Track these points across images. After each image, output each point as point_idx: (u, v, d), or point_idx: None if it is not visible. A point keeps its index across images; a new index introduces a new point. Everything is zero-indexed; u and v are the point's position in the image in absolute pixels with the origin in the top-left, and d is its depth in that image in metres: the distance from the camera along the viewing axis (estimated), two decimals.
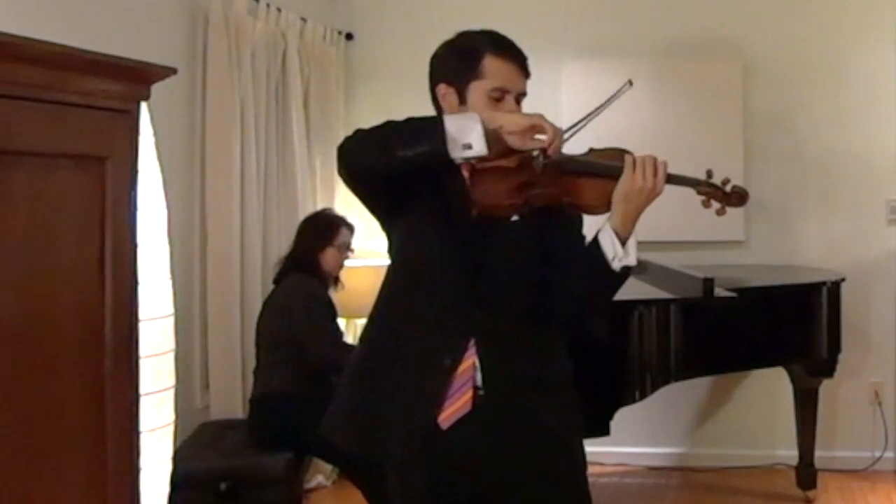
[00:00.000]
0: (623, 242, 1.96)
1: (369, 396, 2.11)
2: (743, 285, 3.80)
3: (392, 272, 2.16)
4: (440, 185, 2.02)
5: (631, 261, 1.97)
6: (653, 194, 1.94)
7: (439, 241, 2.06)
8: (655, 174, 1.93)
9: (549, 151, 1.91)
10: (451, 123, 1.87)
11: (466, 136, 1.86)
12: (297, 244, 3.75)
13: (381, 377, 2.10)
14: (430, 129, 1.88)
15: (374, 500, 3.43)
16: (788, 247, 4.67)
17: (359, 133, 2.02)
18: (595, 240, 1.99)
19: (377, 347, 2.15)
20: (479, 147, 1.86)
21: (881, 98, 4.59)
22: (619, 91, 1.97)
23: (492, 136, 1.88)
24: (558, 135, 1.90)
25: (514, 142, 1.90)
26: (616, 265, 1.97)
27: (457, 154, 1.87)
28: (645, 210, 1.96)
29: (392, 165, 1.93)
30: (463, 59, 2.06)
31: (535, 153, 1.93)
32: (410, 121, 1.96)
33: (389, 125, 1.99)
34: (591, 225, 2.12)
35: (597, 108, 1.98)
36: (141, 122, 1.74)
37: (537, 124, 1.90)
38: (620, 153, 2.00)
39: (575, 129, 2.00)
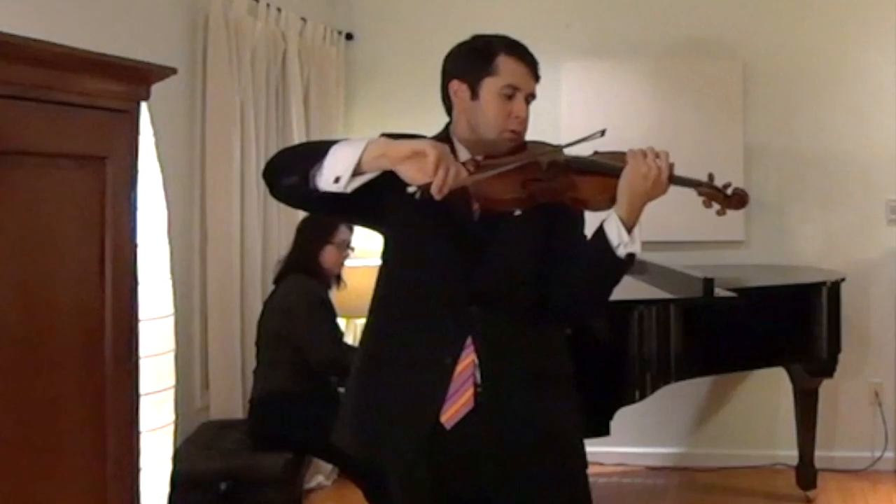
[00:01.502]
0: (629, 230, 1.96)
1: (373, 402, 2.11)
2: (743, 285, 3.80)
3: (385, 273, 2.15)
4: None
5: (636, 248, 1.97)
6: (659, 182, 1.94)
7: (435, 237, 2.06)
8: (658, 158, 1.94)
9: (433, 190, 1.78)
10: (336, 151, 1.85)
11: (339, 167, 1.83)
12: (297, 244, 3.74)
13: (384, 381, 2.10)
14: (311, 158, 1.87)
15: (374, 501, 3.43)
16: (788, 247, 4.66)
17: (275, 157, 2.02)
18: (600, 228, 1.99)
19: (376, 351, 2.15)
20: (344, 181, 1.82)
21: (881, 98, 4.58)
22: (590, 136, 1.97)
23: (378, 165, 1.83)
24: (444, 169, 1.78)
25: (401, 172, 1.83)
26: (621, 252, 1.96)
27: (326, 187, 1.84)
28: (650, 201, 1.96)
29: (282, 192, 1.96)
30: (477, 57, 2.07)
31: (412, 189, 1.84)
32: (313, 144, 1.95)
33: (295, 148, 2.01)
34: (593, 224, 2.13)
35: (565, 145, 2.00)
36: (141, 122, 1.74)
37: (419, 150, 1.80)
38: (624, 155, 2.02)
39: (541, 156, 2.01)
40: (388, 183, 1.90)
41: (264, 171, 2.01)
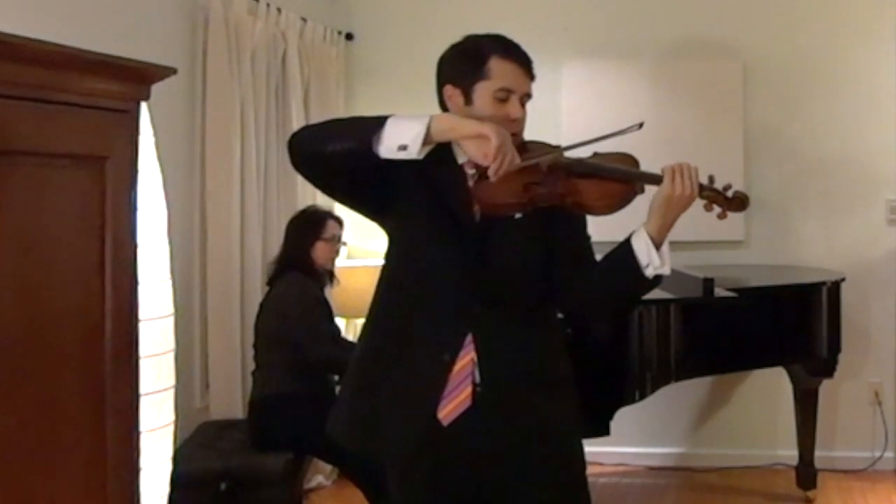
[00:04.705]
0: (657, 247, 1.95)
1: (370, 395, 2.12)
2: (743, 285, 3.80)
3: (388, 270, 2.16)
4: (439, 183, 2.03)
5: (666, 270, 1.97)
6: (690, 201, 1.95)
7: (438, 237, 2.07)
8: (692, 181, 1.94)
9: (490, 173, 1.89)
10: (395, 123, 1.92)
11: (405, 136, 1.90)
12: (287, 242, 3.73)
13: (381, 375, 2.11)
14: (366, 127, 1.94)
15: (374, 500, 3.43)
16: (788, 247, 4.67)
17: (305, 128, 2.08)
18: (628, 243, 1.98)
19: (376, 346, 2.16)
20: (413, 149, 1.89)
21: (881, 99, 4.58)
22: (626, 129, 1.98)
23: (445, 137, 1.93)
24: (502, 155, 1.87)
25: (464, 147, 1.94)
26: (649, 272, 1.96)
27: (389, 154, 1.91)
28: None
29: (323, 159, 1.98)
30: (470, 61, 2.07)
31: (471, 171, 1.92)
32: (354, 118, 2.04)
33: (333, 121, 2.11)
34: (595, 224, 2.12)
35: (599, 138, 2.01)
36: (141, 122, 1.74)
37: (484, 133, 1.89)
38: (624, 157, 2.01)
39: (572, 149, 2.01)
40: (403, 177, 1.95)
41: (294, 140, 2.02)
